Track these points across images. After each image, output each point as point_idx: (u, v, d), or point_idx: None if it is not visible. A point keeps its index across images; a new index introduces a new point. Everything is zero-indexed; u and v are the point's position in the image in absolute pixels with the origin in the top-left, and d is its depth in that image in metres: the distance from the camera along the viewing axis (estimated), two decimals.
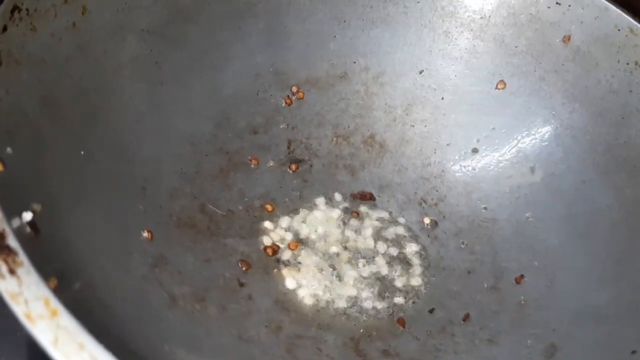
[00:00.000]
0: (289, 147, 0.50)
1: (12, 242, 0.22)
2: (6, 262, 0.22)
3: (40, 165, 0.31)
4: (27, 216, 0.26)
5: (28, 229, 0.26)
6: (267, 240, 0.44)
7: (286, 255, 0.44)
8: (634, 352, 0.36)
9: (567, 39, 0.48)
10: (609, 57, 0.47)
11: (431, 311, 0.43)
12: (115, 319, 0.30)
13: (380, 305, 0.43)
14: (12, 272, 0.21)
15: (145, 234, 0.38)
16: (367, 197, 0.50)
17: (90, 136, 0.37)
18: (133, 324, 0.31)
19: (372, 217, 0.48)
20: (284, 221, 0.46)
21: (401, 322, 0.42)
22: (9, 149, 0.28)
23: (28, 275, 0.22)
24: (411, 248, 0.47)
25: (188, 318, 0.36)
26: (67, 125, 0.35)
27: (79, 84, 0.38)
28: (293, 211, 0.47)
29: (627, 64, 0.46)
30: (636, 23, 0.46)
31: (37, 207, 0.28)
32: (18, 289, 0.21)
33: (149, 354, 0.30)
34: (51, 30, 0.35)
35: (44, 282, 0.22)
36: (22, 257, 0.22)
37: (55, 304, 0.21)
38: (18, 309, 0.21)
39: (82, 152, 0.36)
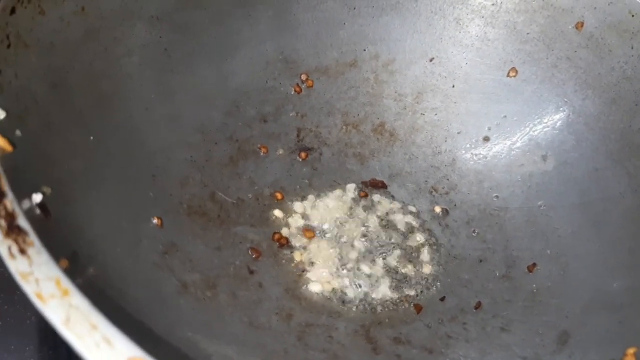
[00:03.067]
0: (298, 136, 0.50)
1: (22, 222, 0.22)
2: (16, 242, 0.21)
3: (49, 150, 0.31)
4: (37, 198, 0.26)
5: (38, 211, 0.25)
6: (278, 229, 0.44)
7: (297, 243, 0.44)
8: None
9: (580, 25, 0.47)
10: (623, 43, 0.46)
11: (442, 299, 0.43)
12: (128, 304, 0.30)
13: (391, 293, 0.43)
14: (22, 252, 0.21)
15: (155, 221, 0.38)
16: (378, 185, 0.49)
17: (99, 122, 0.37)
18: (145, 309, 0.31)
19: (383, 206, 0.48)
20: (297, 207, 0.46)
21: (418, 307, 0.42)
22: (18, 132, 0.28)
23: (39, 255, 0.21)
24: (422, 237, 0.47)
25: (199, 304, 0.35)
26: (77, 111, 0.35)
27: (89, 69, 0.37)
28: (303, 199, 0.47)
29: None
30: None
31: (47, 190, 0.27)
32: (29, 269, 0.21)
33: (163, 336, 0.30)
34: (60, 14, 0.35)
35: (54, 262, 0.21)
36: (33, 237, 0.22)
37: (66, 283, 0.21)
38: (29, 288, 0.21)
39: (92, 138, 0.35)
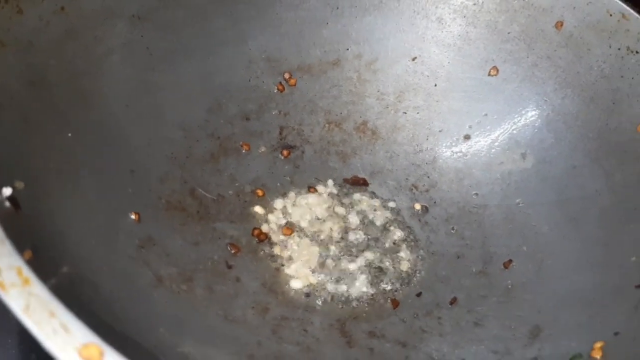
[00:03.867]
0: (280, 133, 0.50)
1: None
2: None
3: (25, 145, 0.32)
4: (7, 191, 0.26)
5: (7, 204, 0.26)
6: (259, 225, 0.45)
7: (276, 239, 0.45)
8: (616, 333, 0.37)
9: (559, 25, 0.48)
10: (601, 42, 0.47)
11: (418, 295, 0.44)
12: (101, 297, 0.31)
13: (368, 289, 0.44)
14: None
15: (133, 216, 0.38)
16: (359, 182, 0.50)
17: (78, 119, 0.38)
18: (119, 302, 0.32)
19: (363, 203, 0.49)
20: (277, 204, 0.47)
21: (394, 303, 0.43)
22: None
23: (2, 245, 0.22)
24: (401, 233, 0.47)
25: (174, 298, 0.36)
26: (55, 108, 0.36)
27: (69, 68, 0.38)
28: (284, 195, 0.47)
29: (619, 49, 0.46)
30: (628, 8, 0.46)
31: (19, 184, 0.28)
32: None
33: (135, 333, 0.31)
34: (39, 13, 0.35)
35: (17, 253, 0.22)
36: None
37: (27, 273, 0.22)
38: None
39: (70, 135, 0.36)
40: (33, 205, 0.29)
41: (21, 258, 0.22)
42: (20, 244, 0.23)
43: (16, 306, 0.21)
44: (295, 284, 0.43)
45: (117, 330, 0.28)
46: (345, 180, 0.49)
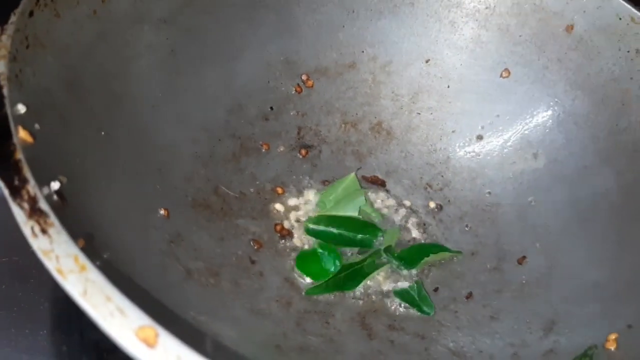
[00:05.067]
0: (298, 134, 0.52)
1: (43, 205, 0.24)
2: (38, 222, 0.24)
3: (65, 143, 0.33)
4: (55, 185, 0.28)
5: (56, 197, 0.28)
6: (280, 222, 0.46)
7: (297, 234, 0.46)
8: (629, 326, 0.38)
9: (570, 28, 0.49)
10: (611, 45, 0.48)
11: (435, 290, 0.45)
12: (138, 289, 0.32)
13: (386, 286, 0.45)
14: (44, 231, 0.23)
15: (162, 212, 0.40)
16: (378, 182, 0.51)
17: (110, 119, 0.39)
18: (153, 293, 0.33)
19: (379, 201, 0.50)
20: (297, 200, 0.48)
21: None
22: (37, 125, 0.30)
23: (59, 234, 0.24)
24: (417, 231, 0.49)
25: (203, 290, 0.37)
26: (89, 108, 0.37)
27: (101, 70, 0.40)
28: (302, 193, 0.49)
29: (628, 51, 0.47)
30: (637, 12, 0.47)
31: (63, 179, 0.30)
32: (50, 246, 0.23)
33: (173, 312, 0.32)
34: (73, 16, 0.37)
35: (73, 241, 0.24)
36: (53, 218, 0.24)
37: (83, 260, 0.23)
38: (50, 265, 0.23)
39: (103, 134, 0.37)
40: (75, 199, 0.30)
41: (77, 246, 0.23)
42: (72, 233, 0.24)
43: (75, 291, 0.22)
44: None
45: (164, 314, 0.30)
46: (365, 178, 0.51)
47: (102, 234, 0.31)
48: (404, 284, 0.44)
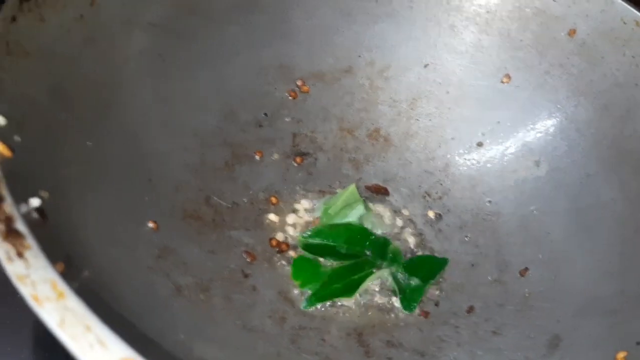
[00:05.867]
0: (294, 141, 0.50)
1: (20, 226, 0.23)
2: (14, 245, 0.22)
3: (48, 155, 0.32)
4: (35, 202, 0.26)
5: (36, 215, 0.26)
6: (274, 233, 0.45)
7: (292, 246, 0.45)
8: (638, 343, 0.36)
9: (572, 33, 0.48)
10: (615, 50, 0.47)
11: (437, 304, 0.44)
12: (124, 307, 0.31)
13: (382, 299, 0.43)
14: (20, 255, 0.22)
15: (151, 225, 0.38)
16: (381, 191, 0.50)
17: (97, 128, 0.38)
18: (140, 312, 0.32)
19: (377, 210, 0.49)
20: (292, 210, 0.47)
21: (424, 314, 0.43)
22: (17, 137, 0.28)
23: (36, 258, 0.22)
24: (415, 241, 0.47)
25: (193, 307, 0.36)
26: (76, 117, 0.36)
27: (88, 76, 0.38)
28: (298, 203, 0.47)
29: (633, 57, 0.46)
30: None
31: (44, 194, 0.28)
32: (25, 272, 0.22)
33: (156, 338, 0.30)
34: (60, 21, 0.35)
35: (51, 266, 0.22)
36: (30, 240, 0.22)
37: (62, 286, 0.21)
38: (25, 291, 0.21)
39: (89, 144, 0.36)
40: (58, 215, 0.28)
41: (55, 270, 0.22)
42: (52, 255, 0.23)
43: (51, 320, 0.21)
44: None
45: (146, 341, 0.28)
46: (368, 188, 0.49)
47: (84, 250, 0.30)
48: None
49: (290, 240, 0.45)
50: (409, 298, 0.42)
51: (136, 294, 0.33)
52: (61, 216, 0.29)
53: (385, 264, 0.44)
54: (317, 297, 0.41)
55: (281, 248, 0.43)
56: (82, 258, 0.30)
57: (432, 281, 0.44)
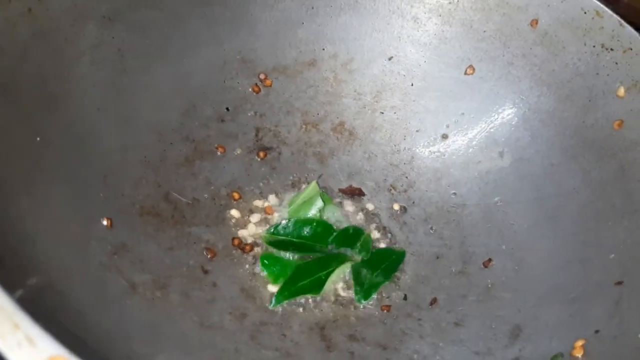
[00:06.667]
0: (257, 135, 0.50)
1: None
2: None
3: None
4: None
5: None
6: (235, 230, 0.44)
7: (252, 241, 0.44)
8: (597, 331, 0.36)
9: (534, 23, 0.48)
10: (576, 40, 0.47)
11: (404, 298, 0.43)
12: (72, 307, 0.30)
13: (346, 292, 0.43)
14: None
15: (105, 222, 0.37)
16: (356, 193, 0.49)
17: (48, 123, 0.37)
18: (90, 312, 0.31)
19: (343, 204, 0.48)
20: (255, 206, 0.46)
21: (386, 308, 0.42)
22: None
23: None
24: (379, 235, 0.47)
25: (148, 305, 0.35)
26: (23, 112, 0.35)
27: (38, 71, 0.37)
28: (261, 198, 0.47)
29: (594, 46, 0.46)
30: (602, 5, 0.46)
31: None
32: None
33: (107, 343, 0.30)
34: (5, 15, 0.34)
35: None
36: None
37: None
38: None
39: (38, 139, 0.35)
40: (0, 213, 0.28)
41: None
42: None
43: None
44: (273, 288, 0.42)
45: (87, 342, 0.27)
46: (342, 191, 0.49)
47: (31, 250, 0.29)
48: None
49: (252, 237, 0.44)
50: (366, 291, 0.42)
51: (87, 292, 0.32)
52: (5, 214, 0.28)
53: (353, 253, 0.44)
54: (284, 294, 0.41)
55: (244, 250, 0.43)
56: (29, 257, 0.29)
57: (393, 274, 0.44)
